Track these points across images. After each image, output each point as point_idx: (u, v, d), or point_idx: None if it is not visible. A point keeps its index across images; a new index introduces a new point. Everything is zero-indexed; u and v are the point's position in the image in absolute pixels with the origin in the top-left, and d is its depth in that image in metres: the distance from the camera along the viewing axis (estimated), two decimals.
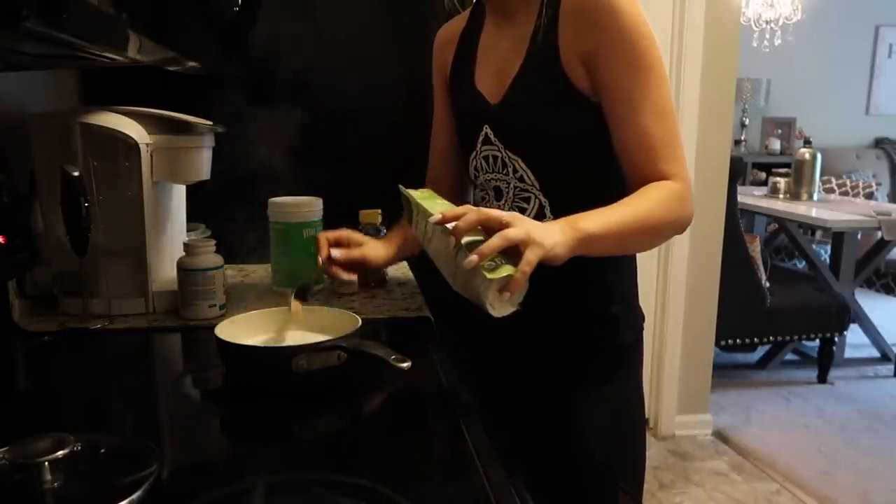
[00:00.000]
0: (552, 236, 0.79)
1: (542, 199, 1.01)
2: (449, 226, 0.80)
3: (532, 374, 1.09)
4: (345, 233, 1.11)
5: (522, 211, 1.02)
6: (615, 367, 1.06)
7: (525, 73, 0.98)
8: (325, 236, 1.08)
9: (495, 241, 0.75)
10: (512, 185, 1.02)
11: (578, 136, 0.97)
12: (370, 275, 1.42)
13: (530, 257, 0.76)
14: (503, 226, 0.77)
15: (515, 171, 1.01)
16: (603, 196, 0.93)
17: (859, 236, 3.53)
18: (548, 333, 1.06)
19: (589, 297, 1.04)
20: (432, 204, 0.91)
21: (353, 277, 1.24)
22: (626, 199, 0.90)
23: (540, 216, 1.01)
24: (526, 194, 1.01)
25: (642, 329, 1.09)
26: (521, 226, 0.77)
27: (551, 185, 1.00)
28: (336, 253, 1.06)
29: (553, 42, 0.95)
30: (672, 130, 0.93)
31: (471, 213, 0.79)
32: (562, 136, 0.97)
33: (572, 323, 1.05)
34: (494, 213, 0.79)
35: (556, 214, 0.97)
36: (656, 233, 0.93)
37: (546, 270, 0.99)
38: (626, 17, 0.90)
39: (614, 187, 0.99)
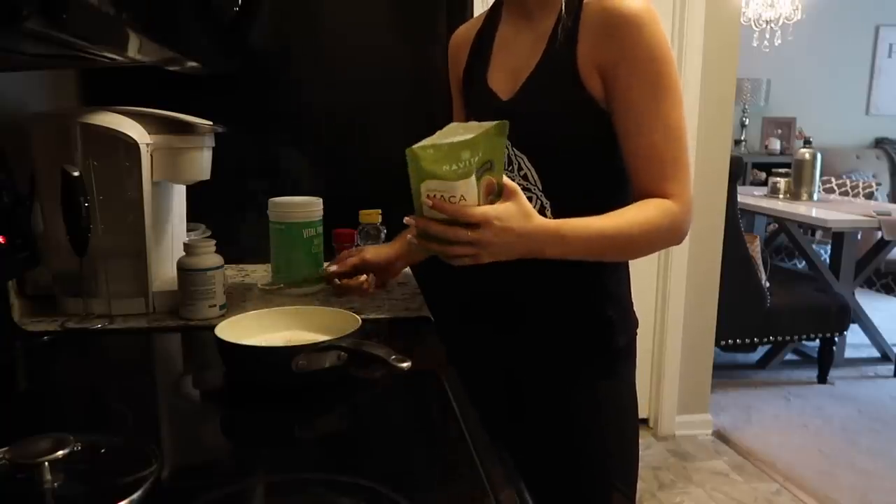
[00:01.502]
0: (497, 256, 0.88)
1: (544, 201, 1.01)
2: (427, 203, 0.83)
3: (526, 372, 1.09)
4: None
5: None
6: (608, 367, 1.06)
7: (540, 72, 0.99)
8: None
9: (439, 249, 0.86)
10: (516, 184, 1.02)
11: (585, 141, 0.98)
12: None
13: (462, 261, 0.87)
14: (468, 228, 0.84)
15: (521, 168, 1.02)
16: (604, 204, 0.95)
17: (859, 236, 3.53)
18: (543, 332, 1.07)
19: (585, 298, 1.05)
20: (436, 168, 0.83)
21: (361, 281, 1.25)
22: (616, 212, 0.93)
23: (541, 215, 1.01)
24: (528, 194, 1.02)
25: (636, 334, 1.10)
26: (477, 246, 0.85)
27: (554, 188, 1.00)
28: (334, 267, 1.15)
29: (572, 46, 0.96)
30: (681, 152, 0.95)
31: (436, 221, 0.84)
32: (569, 137, 0.98)
33: (568, 323, 1.05)
34: (468, 215, 0.83)
35: (557, 217, 0.99)
36: (635, 249, 0.97)
37: (543, 273, 1.01)
38: (649, 37, 0.91)
39: (617, 197, 1.00)
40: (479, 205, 0.84)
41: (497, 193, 0.86)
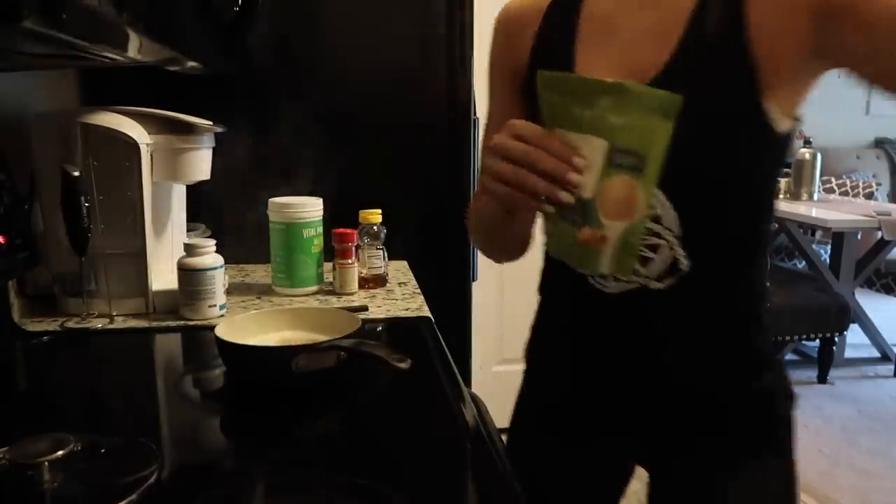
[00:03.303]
0: None
1: (679, 253, 0.73)
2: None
3: (665, 447, 0.84)
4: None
5: (646, 261, 0.74)
6: (769, 442, 0.82)
7: (680, 61, 0.69)
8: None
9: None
10: None
11: (744, 163, 0.72)
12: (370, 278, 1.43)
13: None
14: None
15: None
16: (745, 263, 0.77)
17: (859, 236, 3.53)
18: (687, 401, 0.81)
19: (738, 363, 0.80)
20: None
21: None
22: None
23: (672, 271, 0.74)
24: (654, 240, 0.72)
25: (794, 400, 0.84)
26: None
27: (695, 233, 0.72)
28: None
29: (736, 20, 0.67)
30: None
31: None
32: (730, 160, 0.71)
33: (720, 393, 0.80)
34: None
35: (692, 283, 0.74)
36: None
37: (685, 337, 0.79)
38: None
39: (759, 253, 0.79)
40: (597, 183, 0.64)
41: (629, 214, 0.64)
